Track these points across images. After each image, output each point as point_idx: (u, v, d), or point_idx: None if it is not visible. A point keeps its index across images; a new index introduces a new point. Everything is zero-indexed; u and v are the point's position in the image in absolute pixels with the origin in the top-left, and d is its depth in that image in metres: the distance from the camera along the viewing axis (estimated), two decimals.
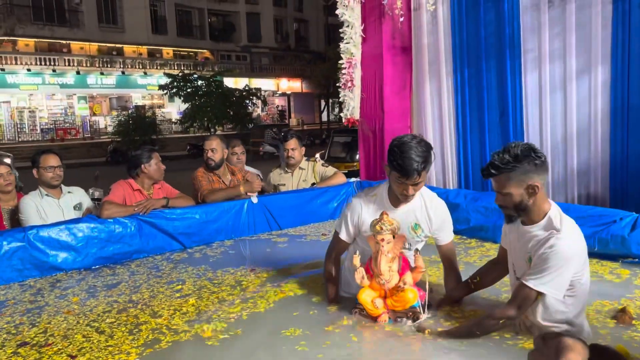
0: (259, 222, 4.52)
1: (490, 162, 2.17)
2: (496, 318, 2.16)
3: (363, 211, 2.64)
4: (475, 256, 3.57)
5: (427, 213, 2.64)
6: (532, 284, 2.08)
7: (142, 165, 4.01)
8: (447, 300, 2.66)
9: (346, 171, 9.04)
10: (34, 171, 3.86)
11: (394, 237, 2.45)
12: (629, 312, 2.37)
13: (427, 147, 2.46)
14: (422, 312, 2.45)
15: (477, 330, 2.20)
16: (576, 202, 4.18)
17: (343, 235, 2.72)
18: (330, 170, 5.10)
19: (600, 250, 3.35)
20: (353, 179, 5.34)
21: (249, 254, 3.86)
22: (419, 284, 2.54)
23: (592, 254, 3.33)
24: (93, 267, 3.62)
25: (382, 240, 2.43)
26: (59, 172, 3.88)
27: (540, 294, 2.09)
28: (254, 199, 4.38)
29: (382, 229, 2.42)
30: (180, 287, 3.11)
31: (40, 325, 2.60)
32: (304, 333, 2.37)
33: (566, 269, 2.06)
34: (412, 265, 2.53)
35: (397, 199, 2.59)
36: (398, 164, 2.42)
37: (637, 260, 3.21)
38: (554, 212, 2.17)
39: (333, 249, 2.80)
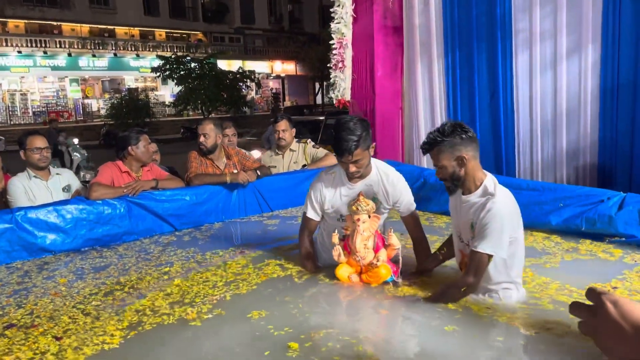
0: (249, 203, 4.51)
1: (425, 139, 2.45)
2: (458, 287, 2.35)
3: (324, 189, 2.88)
4: None
5: (384, 187, 2.83)
6: (481, 248, 2.27)
7: (130, 147, 3.97)
8: (419, 272, 2.79)
9: None
10: (21, 153, 3.84)
11: (369, 217, 2.63)
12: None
13: (363, 127, 2.65)
14: (394, 287, 2.61)
15: (443, 301, 2.36)
16: (565, 181, 4.20)
17: (310, 214, 2.95)
18: (321, 151, 5.08)
19: (588, 229, 3.37)
20: None
21: (238, 236, 3.86)
22: (393, 260, 2.70)
23: (580, 234, 3.39)
24: (82, 249, 3.60)
25: (358, 220, 2.61)
26: (46, 154, 3.85)
27: (490, 257, 2.28)
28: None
29: (358, 209, 2.61)
30: (167, 269, 3.11)
31: (27, 307, 2.60)
32: (284, 313, 2.38)
33: (505, 228, 2.27)
34: (387, 243, 2.69)
35: None
36: (333, 145, 2.69)
37: (623, 239, 3.23)
38: (489, 181, 2.38)
39: (304, 228, 3.02)
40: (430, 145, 2.41)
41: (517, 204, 2.41)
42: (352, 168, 2.69)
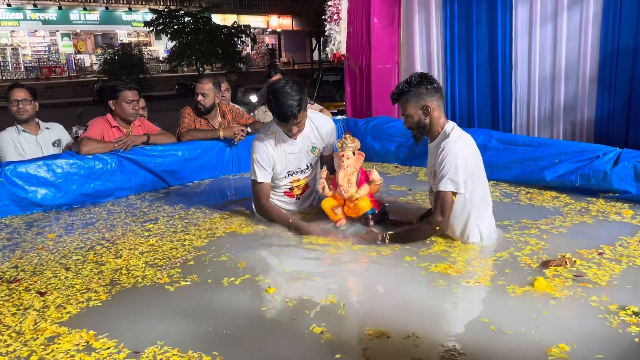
0: (243, 160, 4.46)
1: (394, 90, 2.60)
2: (431, 224, 2.51)
3: (269, 150, 2.92)
4: None
5: (319, 134, 3.02)
6: (441, 186, 2.45)
7: (110, 101, 3.86)
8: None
9: (335, 110, 8.92)
10: (8, 106, 3.76)
11: (354, 153, 2.79)
12: (564, 259, 2.29)
13: (300, 90, 2.73)
14: (372, 220, 2.79)
15: (416, 236, 2.57)
16: (561, 137, 4.17)
17: (262, 179, 2.95)
18: (316, 107, 5.00)
19: (582, 185, 3.35)
20: (339, 117, 5.25)
21: (226, 193, 3.85)
22: (377, 197, 2.90)
23: (575, 190, 3.38)
24: (74, 204, 3.58)
25: (343, 156, 2.78)
26: (24, 106, 3.73)
27: (454, 194, 2.45)
28: (235, 141, 4.30)
29: (343, 146, 2.78)
30: (151, 225, 3.10)
31: (12, 261, 2.59)
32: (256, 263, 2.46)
33: (459, 166, 2.42)
34: (370, 179, 2.85)
35: None
36: (275, 112, 2.73)
37: (617, 195, 3.22)
38: (449, 126, 2.56)
39: (260, 195, 2.98)
40: (399, 95, 2.57)
41: (476, 148, 2.58)
42: (295, 129, 2.82)
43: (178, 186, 4.06)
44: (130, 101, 3.85)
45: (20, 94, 3.73)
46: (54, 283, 2.31)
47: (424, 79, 2.53)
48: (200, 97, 4.24)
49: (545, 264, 2.29)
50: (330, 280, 2.29)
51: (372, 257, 2.47)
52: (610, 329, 1.77)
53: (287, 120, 2.72)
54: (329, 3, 5.09)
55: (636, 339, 1.71)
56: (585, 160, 3.39)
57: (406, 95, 2.54)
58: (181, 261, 2.51)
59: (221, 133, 4.21)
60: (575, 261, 2.30)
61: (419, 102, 2.52)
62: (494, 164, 3.81)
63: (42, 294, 2.20)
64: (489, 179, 2.80)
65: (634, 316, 1.84)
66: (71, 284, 2.29)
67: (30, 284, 2.31)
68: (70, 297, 2.16)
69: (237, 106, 4.87)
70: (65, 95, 25.05)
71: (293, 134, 2.86)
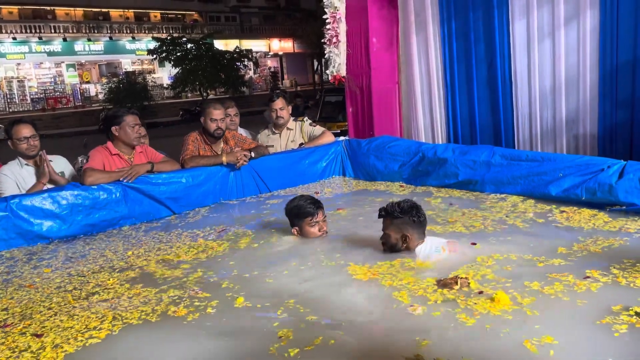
0: (247, 185, 4.45)
1: (385, 206, 2.73)
2: None
3: None
4: (463, 210, 3.54)
5: None
6: None
7: (113, 127, 3.85)
8: None
9: (338, 131, 8.96)
10: (9, 143, 3.73)
11: None
12: (455, 279, 2.25)
13: (309, 195, 3.15)
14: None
15: None
16: (565, 151, 4.16)
17: None
18: (318, 129, 5.01)
19: (588, 199, 3.33)
20: (342, 138, 5.26)
21: (223, 218, 3.83)
22: None
23: (581, 203, 3.35)
24: (79, 235, 3.56)
25: None
26: (34, 142, 3.72)
27: None
28: (238, 166, 4.30)
29: None
30: (130, 253, 3.14)
31: (3, 301, 2.51)
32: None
33: None
34: None
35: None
36: (302, 213, 3.03)
37: (624, 207, 3.19)
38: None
39: None
40: (387, 214, 2.69)
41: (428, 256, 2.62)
42: (325, 227, 3.06)
43: (183, 211, 4.03)
44: (133, 125, 3.86)
45: (26, 131, 3.70)
46: (47, 326, 2.21)
47: (414, 210, 2.64)
48: (219, 124, 4.24)
49: (438, 283, 2.29)
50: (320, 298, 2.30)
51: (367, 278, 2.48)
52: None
53: (315, 211, 3.00)
54: (328, 27, 5.13)
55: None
56: (590, 173, 3.37)
57: (392, 218, 2.65)
58: (190, 292, 2.47)
59: (224, 158, 4.21)
60: (469, 283, 2.25)
61: (400, 229, 2.64)
62: (499, 180, 3.80)
63: (38, 336, 2.11)
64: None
65: (634, 316, 1.88)
66: (67, 326, 2.19)
67: (23, 327, 2.21)
68: (69, 337, 2.08)
69: (240, 131, 4.88)
70: (71, 125, 25.33)
71: (324, 231, 3.04)
